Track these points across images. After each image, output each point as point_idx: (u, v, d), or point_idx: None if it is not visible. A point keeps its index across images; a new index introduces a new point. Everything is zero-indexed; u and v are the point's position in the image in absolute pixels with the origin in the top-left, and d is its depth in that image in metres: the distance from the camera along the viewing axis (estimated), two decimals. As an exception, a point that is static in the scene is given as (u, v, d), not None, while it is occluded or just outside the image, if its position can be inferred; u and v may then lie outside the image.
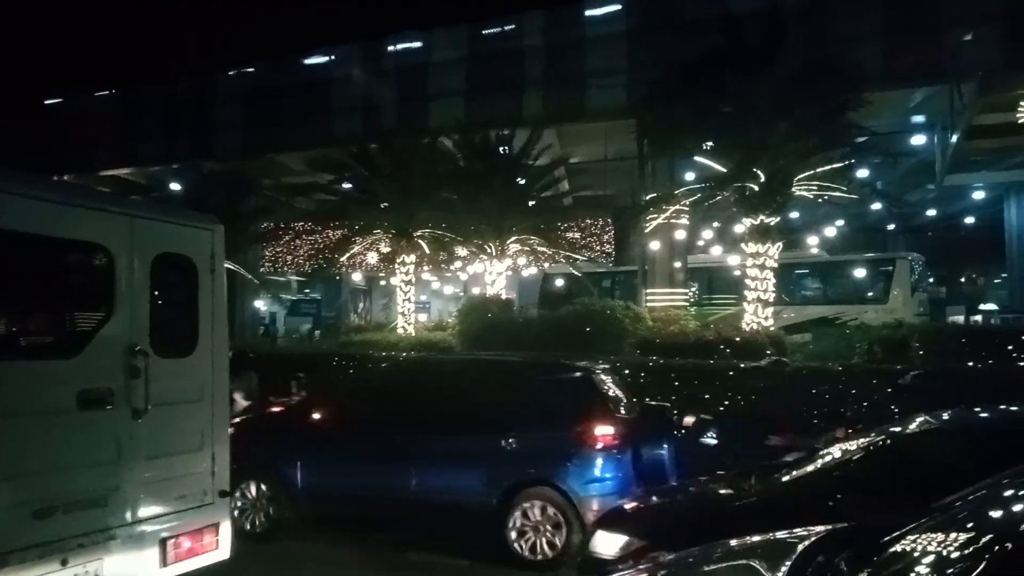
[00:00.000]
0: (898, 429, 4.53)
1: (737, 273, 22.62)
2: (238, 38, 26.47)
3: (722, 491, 4.72)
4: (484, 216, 16.49)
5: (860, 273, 21.48)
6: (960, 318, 24.47)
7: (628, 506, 4.53)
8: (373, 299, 37.24)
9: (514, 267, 18.72)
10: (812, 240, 18.87)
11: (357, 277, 28.36)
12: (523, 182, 17.21)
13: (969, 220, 33.03)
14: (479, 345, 13.67)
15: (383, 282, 31.12)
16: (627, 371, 11.21)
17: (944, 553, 2.00)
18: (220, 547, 5.01)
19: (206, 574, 4.94)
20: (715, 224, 23.03)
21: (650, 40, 20.29)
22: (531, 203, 17.56)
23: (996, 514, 2.14)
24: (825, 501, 3.87)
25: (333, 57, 25.08)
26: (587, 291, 21.54)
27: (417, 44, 24.04)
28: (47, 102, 28.59)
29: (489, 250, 16.99)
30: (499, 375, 7.77)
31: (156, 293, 4.78)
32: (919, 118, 20.58)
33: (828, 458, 4.47)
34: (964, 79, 15.19)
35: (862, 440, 4.59)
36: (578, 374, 7.39)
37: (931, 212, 30.68)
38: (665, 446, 7.11)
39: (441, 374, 8.11)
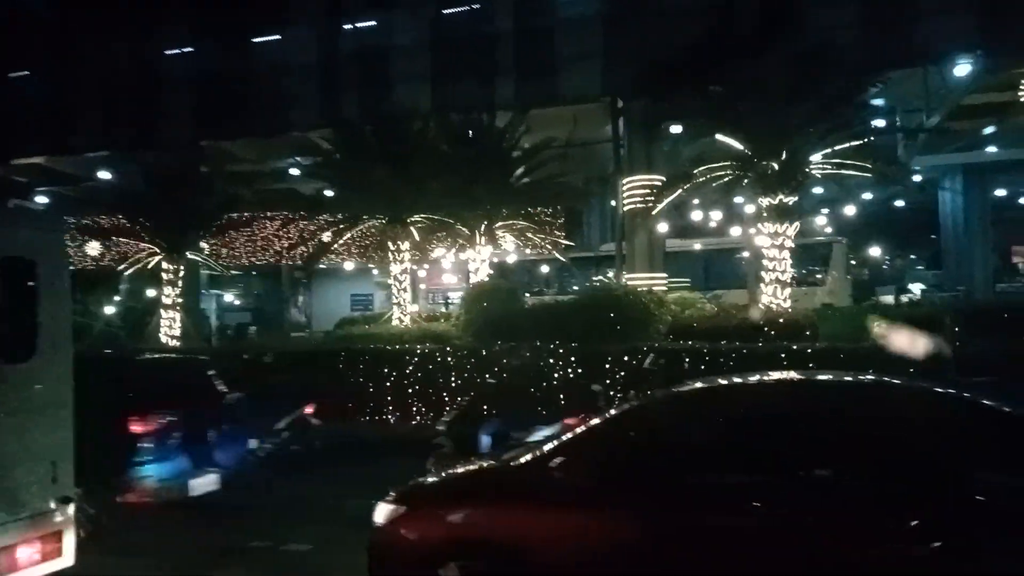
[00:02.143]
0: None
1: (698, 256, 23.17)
2: (181, 18, 24.54)
3: (479, 465, 5.50)
4: (473, 201, 15.81)
5: (801, 257, 22.16)
6: (890, 298, 25.52)
7: (408, 484, 5.17)
8: (314, 292, 35.72)
9: (499, 253, 18.07)
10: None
11: (350, 266, 27.07)
12: (513, 166, 16.61)
13: (899, 203, 34.49)
14: (488, 335, 13.02)
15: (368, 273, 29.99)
16: (662, 360, 10.80)
17: None
18: (64, 554, 4.93)
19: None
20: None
21: (626, 24, 19.93)
22: (517, 186, 17.00)
23: None
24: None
25: (287, 39, 23.59)
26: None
27: (376, 24, 22.91)
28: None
29: (477, 236, 16.35)
30: None
31: None
32: (878, 101, 21.13)
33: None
34: (958, 60, 15.55)
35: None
36: (121, 367, 8.16)
37: (867, 195, 31.83)
38: (213, 432, 7.74)
39: None
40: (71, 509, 5.01)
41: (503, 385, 10.42)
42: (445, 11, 22.07)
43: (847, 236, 24.80)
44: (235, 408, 8.25)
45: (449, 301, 28.61)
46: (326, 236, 21.63)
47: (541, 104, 20.70)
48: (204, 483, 7.59)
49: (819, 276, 21.49)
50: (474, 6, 21.76)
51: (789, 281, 13.18)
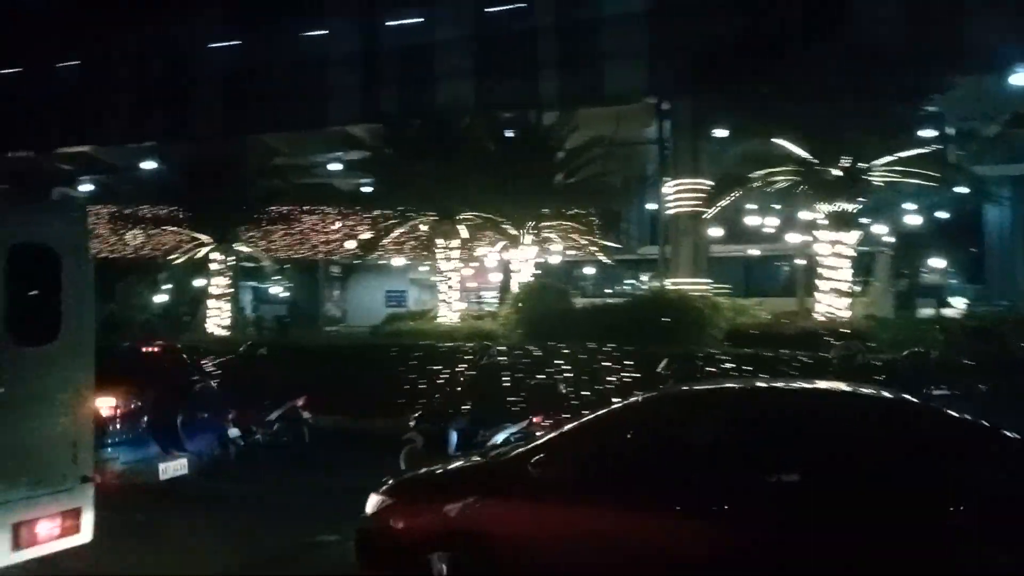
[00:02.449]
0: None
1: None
2: (217, 9, 24.59)
3: (465, 460, 6.06)
4: (520, 199, 15.69)
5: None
6: (931, 311, 24.95)
7: (398, 478, 5.62)
8: (348, 288, 35.74)
9: (542, 254, 17.93)
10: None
11: (399, 262, 27.00)
12: (560, 165, 16.47)
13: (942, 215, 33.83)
14: (538, 335, 12.89)
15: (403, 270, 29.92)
16: (676, 364, 10.44)
17: None
18: (81, 531, 5.11)
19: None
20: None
21: (672, 20, 19.65)
22: (562, 186, 16.84)
23: None
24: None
25: (326, 32, 23.59)
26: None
27: (419, 20, 22.84)
28: None
29: (521, 236, 16.24)
30: None
31: (13, 282, 4.83)
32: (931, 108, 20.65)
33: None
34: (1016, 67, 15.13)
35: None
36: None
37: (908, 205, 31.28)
38: (183, 418, 8.03)
39: None
40: (90, 488, 5.20)
41: (474, 384, 10.67)
42: (488, 9, 21.94)
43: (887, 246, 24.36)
44: (206, 396, 8.61)
45: (483, 300, 28.55)
46: (365, 234, 21.67)
47: (585, 103, 20.51)
48: (173, 467, 7.88)
49: (856, 288, 21.09)
50: (518, 4, 21.58)
51: (847, 290, 12.90)
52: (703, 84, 16.45)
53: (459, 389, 11.42)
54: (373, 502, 5.10)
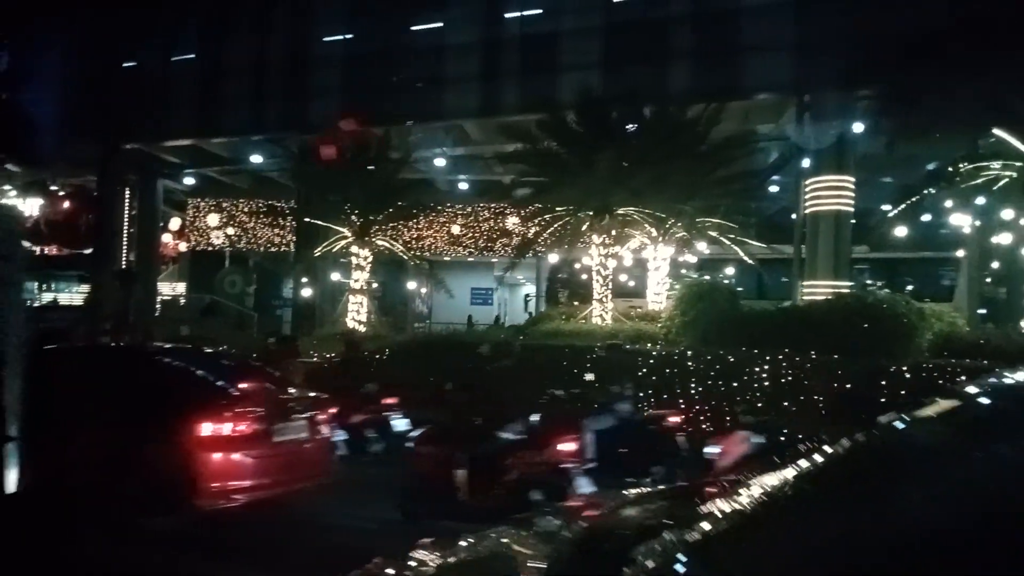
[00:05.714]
0: None
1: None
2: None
3: None
4: (671, 193, 14.98)
5: (929, 270, 21.10)
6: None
7: None
8: (434, 285, 35.32)
9: (680, 252, 17.18)
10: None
11: (554, 258, 26.55)
12: (711, 159, 15.68)
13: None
14: (708, 340, 12.14)
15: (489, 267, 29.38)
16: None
17: None
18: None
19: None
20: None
21: (818, 14, 18.67)
22: (710, 181, 16.04)
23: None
24: None
25: (444, 23, 23.11)
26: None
27: (540, 12, 22.22)
28: (116, 65, 26.14)
29: (667, 231, 15.52)
30: None
31: None
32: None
33: None
34: None
35: None
36: None
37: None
38: None
39: None
40: (11, 448, 5.98)
41: None
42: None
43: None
44: None
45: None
46: (455, 228, 20.85)
47: (720, 97, 19.65)
48: None
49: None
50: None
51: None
52: (866, 78, 15.53)
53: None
54: None
